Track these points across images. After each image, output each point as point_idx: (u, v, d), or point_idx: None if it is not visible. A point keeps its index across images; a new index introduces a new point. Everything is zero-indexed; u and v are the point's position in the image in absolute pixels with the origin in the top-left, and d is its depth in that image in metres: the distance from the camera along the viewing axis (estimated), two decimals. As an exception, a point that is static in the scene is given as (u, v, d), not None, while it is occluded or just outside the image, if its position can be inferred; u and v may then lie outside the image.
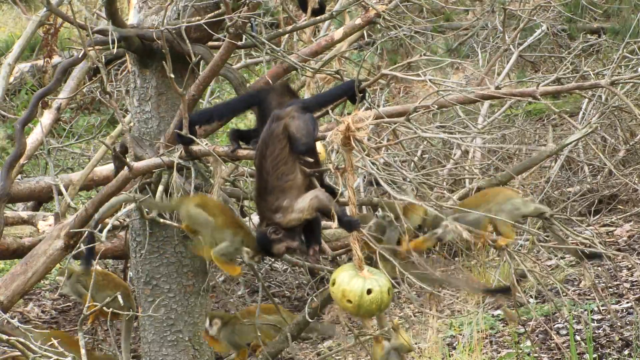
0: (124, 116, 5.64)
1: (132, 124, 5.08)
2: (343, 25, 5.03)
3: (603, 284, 6.56)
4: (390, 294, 4.05)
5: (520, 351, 5.84)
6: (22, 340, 3.61)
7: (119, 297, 4.43)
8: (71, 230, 4.87)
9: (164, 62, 4.46)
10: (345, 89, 4.57)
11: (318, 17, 5.30)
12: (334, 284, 4.05)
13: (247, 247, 4.46)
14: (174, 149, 4.71)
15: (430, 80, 4.20)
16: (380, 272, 4.07)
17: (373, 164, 3.97)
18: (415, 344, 5.98)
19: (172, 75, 4.35)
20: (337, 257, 5.12)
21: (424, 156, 7.71)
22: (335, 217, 4.06)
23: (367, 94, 4.54)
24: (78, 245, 4.81)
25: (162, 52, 4.51)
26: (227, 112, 4.84)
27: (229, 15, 4.43)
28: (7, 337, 3.61)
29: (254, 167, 4.39)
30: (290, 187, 4.19)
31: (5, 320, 4.39)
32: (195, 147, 4.58)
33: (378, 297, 4.00)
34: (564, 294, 6.47)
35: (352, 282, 4.01)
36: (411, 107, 4.23)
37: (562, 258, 7.12)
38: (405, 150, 6.58)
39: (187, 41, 4.59)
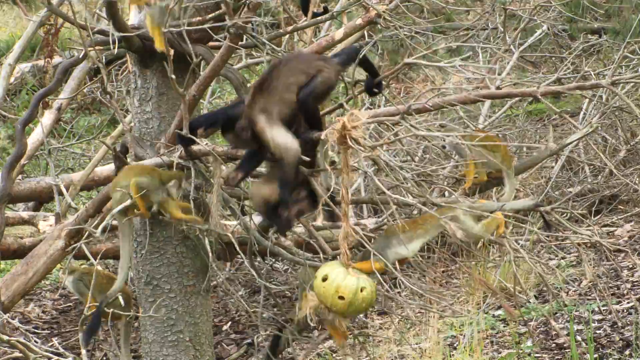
0: (125, 116, 5.64)
1: (132, 124, 5.08)
2: (343, 26, 5.03)
3: (604, 284, 6.56)
4: (375, 295, 4.06)
5: (521, 351, 5.84)
6: (22, 340, 3.62)
7: (120, 299, 4.43)
8: (71, 230, 4.87)
9: (164, 63, 4.45)
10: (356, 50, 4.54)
11: (319, 18, 5.30)
12: (324, 279, 4.03)
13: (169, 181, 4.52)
14: (174, 149, 4.71)
15: (459, 66, 4.20)
16: (363, 273, 4.07)
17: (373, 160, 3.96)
18: (416, 344, 5.98)
19: (174, 77, 4.35)
20: (337, 257, 5.10)
21: (424, 156, 7.70)
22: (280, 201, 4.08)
23: (382, 86, 4.55)
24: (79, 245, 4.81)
25: (163, 53, 4.51)
26: (231, 124, 4.86)
27: (232, 22, 4.42)
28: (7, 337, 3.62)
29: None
30: (285, 105, 4.14)
31: (6, 321, 4.39)
32: (195, 147, 4.58)
33: (369, 296, 4.02)
34: (566, 293, 6.47)
35: (347, 278, 4.02)
36: (409, 106, 4.21)
37: (563, 258, 7.12)
38: (405, 149, 6.57)
39: (188, 42, 4.59)
